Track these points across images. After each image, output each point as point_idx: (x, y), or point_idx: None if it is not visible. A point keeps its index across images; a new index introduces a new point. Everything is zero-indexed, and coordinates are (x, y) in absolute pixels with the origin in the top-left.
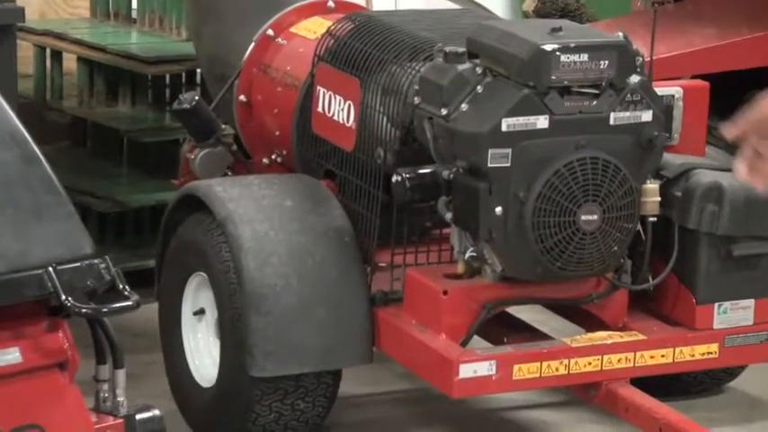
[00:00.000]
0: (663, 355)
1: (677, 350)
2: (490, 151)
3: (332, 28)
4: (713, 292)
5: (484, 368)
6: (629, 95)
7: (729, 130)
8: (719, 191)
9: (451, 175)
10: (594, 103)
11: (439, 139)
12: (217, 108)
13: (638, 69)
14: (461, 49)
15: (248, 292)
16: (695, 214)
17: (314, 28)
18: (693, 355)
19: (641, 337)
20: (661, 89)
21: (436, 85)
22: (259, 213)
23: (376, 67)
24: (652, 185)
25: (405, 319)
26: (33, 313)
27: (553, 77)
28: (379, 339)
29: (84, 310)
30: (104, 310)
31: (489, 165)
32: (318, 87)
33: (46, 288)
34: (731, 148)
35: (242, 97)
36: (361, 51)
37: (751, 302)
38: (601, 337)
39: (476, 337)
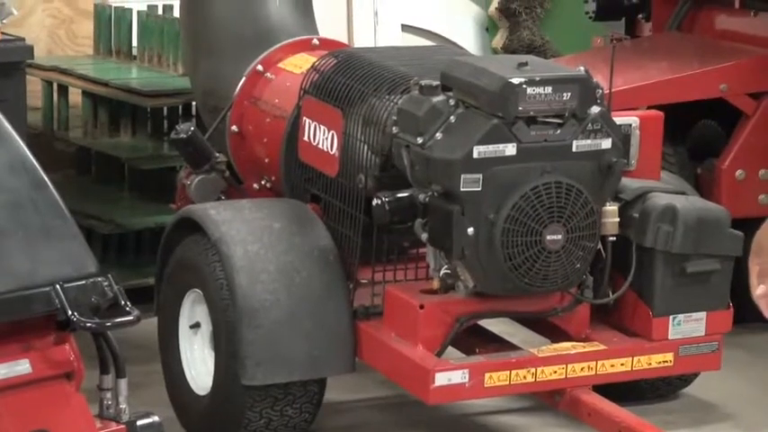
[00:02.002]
0: (622, 364)
1: (635, 359)
2: (462, 176)
3: (316, 64)
4: (668, 305)
5: (458, 376)
6: (590, 125)
7: (761, 292)
8: (674, 212)
9: (427, 199)
10: (558, 131)
11: (415, 166)
12: (211, 138)
13: (599, 101)
14: (436, 83)
15: (240, 307)
16: (651, 234)
17: (300, 64)
18: (650, 364)
19: (602, 347)
20: (619, 119)
21: (413, 115)
22: (250, 235)
23: (357, 99)
24: (611, 207)
25: (384, 332)
26: (42, 327)
27: (520, 108)
28: (361, 350)
29: (88, 325)
30: (108, 324)
31: (462, 189)
32: (304, 118)
33: (53, 304)
34: (683, 173)
35: (234, 128)
36: (343, 85)
37: (703, 315)
38: (565, 347)
39: (450, 348)
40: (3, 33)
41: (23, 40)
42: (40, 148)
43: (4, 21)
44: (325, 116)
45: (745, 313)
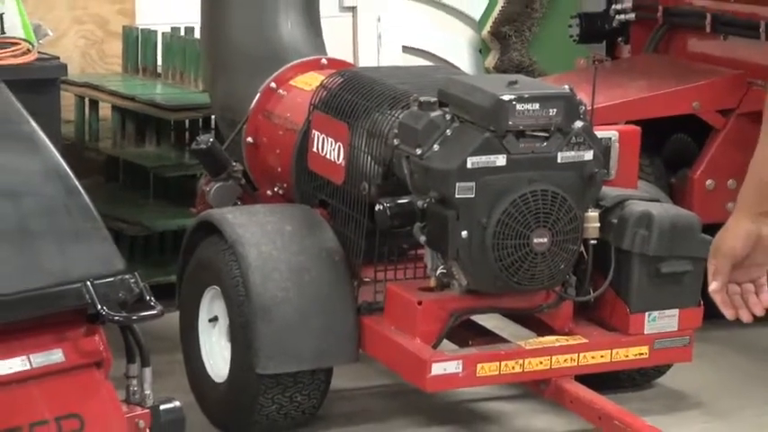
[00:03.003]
0: (602, 356)
1: (614, 351)
2: (457, 185)
3: (325, 81)
4: (644, 303)
5: (452, 367)
6: (573, 138)
7: (714, 288)
8: (649, 218)
9: (425, 205)
10: (545, 144)
11: (414, 175)
12: (228, 148)
13: (582, 116)
14: (433, 99)
15: (254, 302)
16: (629, 238)
17: (310, 81)
18: (627, 356)
19: (584, 340)
20: (600, 133)
21: (412, 129)
22: (263, 237)
23: (362, 114)
24: (593, 213)
25: (385, 326)
26: (74, 320)
27: (510, 123)
28: (364, 342)
29: (116, 318)
30: (134, 317)
31: (457, 196)
32: (313, 131)
33: (84, 299)
34: (658, 182)
35: (249, 139)
36: (349, 101)
37: (676, 312)
38: (550, 340)
39: (445, 341)
40: (39, 53)
41: (58, 58)
42: (73, 158)
43: (40, 41)
44: (332, 129)
45: (715, 310)
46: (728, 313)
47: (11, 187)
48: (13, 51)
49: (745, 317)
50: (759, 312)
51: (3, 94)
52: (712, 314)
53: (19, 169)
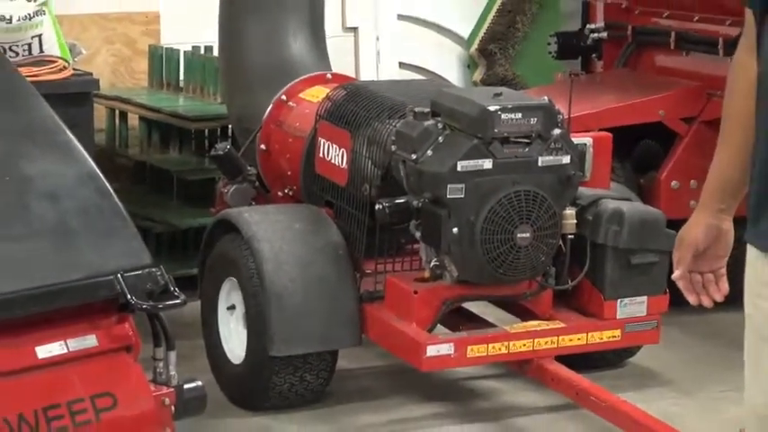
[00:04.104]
0: (579, 339)
1: (590, 335)
2: (449, 186)
3: (330, 94)
4: (616, 291)
5: (445, 349)
6: (552, 144)
7: (677, 275)
8: (621, 215)
9: (420, 204)
10: (527, 149)
11: (410, 177)
12: (244, 154)
13: (560, 124)
14: (427, 110)
15: (268, 292)
16: (603, 232)
17: (316, 94)
18: (602, 338)
19: (563, 325)
20: (576, 139)
21: (408, 136)
22: (275, 233)
23: (363, 123)
24: (570, 211)
25: (385, 313)
26: (106, 309)
27: (496, 131)
28: (366, 327)
29: (144, 307)
30: (160, 306)
31: (448, 196)
32: (320, 138)
33: (116, 290)
34: (629, 183)
35: (262, 146)
36: (351, 111)
37: (644, 299)
38: (532, 325)
39: (438, 326)
40: (74, 69)
41: (91, 74)
42: (105, 163)
43: (75, 59)
44: (336, 137)
45: (680, 297)
46: (691, 299)
47: (50, 190)
48: (50, 68)
49: (706, 302)
50: (719, 298)
51: (41, 106)
52: (677, 301)
53: (57, 174)
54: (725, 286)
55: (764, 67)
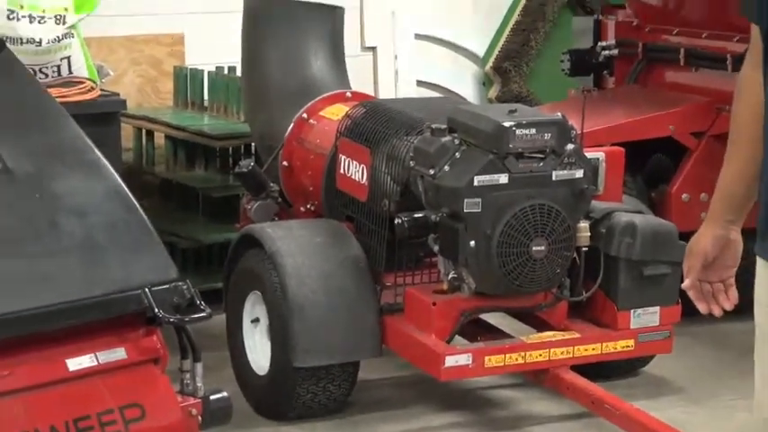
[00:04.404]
0: (593, 349)
1: (604, 344)
2: (465, 200)
3: (349, 111)
4: (629, 301)
5: (463, 359)
6: (566, 159)
7: (687, 284)
8: (633, 227)
9: (438, 218)
10: (541, 164)
11: (428, 192)
12: (266, 171)
13: (573, 139)
14: (444, 126)
15: (291, 305)
16: (616, 245)
17: (336, 112)
18: (616, 348)
19: (577, 335)
20: (589, 153)
21: (426, 152)
22: (298, 248)
23: (382, 140)
24: (584, 224)
25: (405, 324)
26: (134, 322)
27: (511, 146)
28: (387, 339)
29: (171, 320)
30: (186, 319)
31: (465, 210)
32: (340, 155)
33: (144, 304)
34: (640, 196)
35: (285, 163)
36: (371, 129)
37: (657, 309)
38: (548, 335)
39: (457, 337)
40: (102, 90)
41: (118, 95)
42: (132, 181)
43: (103, 80)
44: (356, 153)
45: (691, 307)
46: (702, 307)
47: (79, 207)
48: (79, 89)
49: (716, 311)
50: (729, 307)
51: (70, 126)
52: (689, 311)
53: (86, 191)
54: (734, 295)
55: None
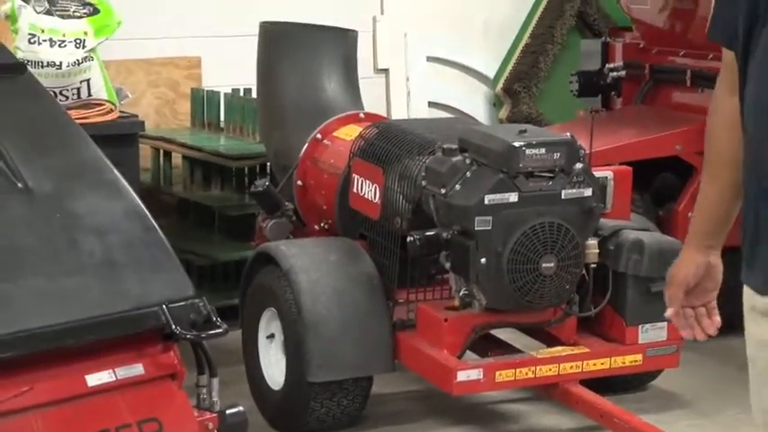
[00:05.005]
0: (602, 363)
1: (613, 359)
2: (476, 219)
3: (362, 132)
4: (638, 317)
5: (474, 374)
6: (575, 177)
7: (670, 313)
8: (641, 245)
9: (449, 236)
10: (550, 183)
11: (440, 211)
12: (281, 190)
13: (582, 159)
14: (455, 146)
15: (305, 321)
16: (624, 262)
17: (349, 132)
18: (624, 363)
19: (587, 350)
20: (597, 173)
21: (437, 172)
22: (312, 265)
23: (394, 159)
24: (592, 241)
25: (417, 340)
26: (152, 338)
27: (521, 165)
28: (399, 354)
29: (188, 336)
30: (203, 335)
31: (476, 228)
32: (353, 174)
33: (161, 320)
34: (648, 214)
35: (299, 182)
36: (383, 149)
37: (665, 324)
38: (557, 350)
39: (468, 352)
40: (120, 112)
41: (137, 116)
42: (150, 200)
43: (122, 102)
44: (369, 173)
45: None
46: (686, 334)
47: (98, 226)
48: (98, 111)
49: (700, 336)
50: (712, 332)
51: (90, 147)
52: None
53: (105, 211)
54: (717, 319)
55: (749, 107)
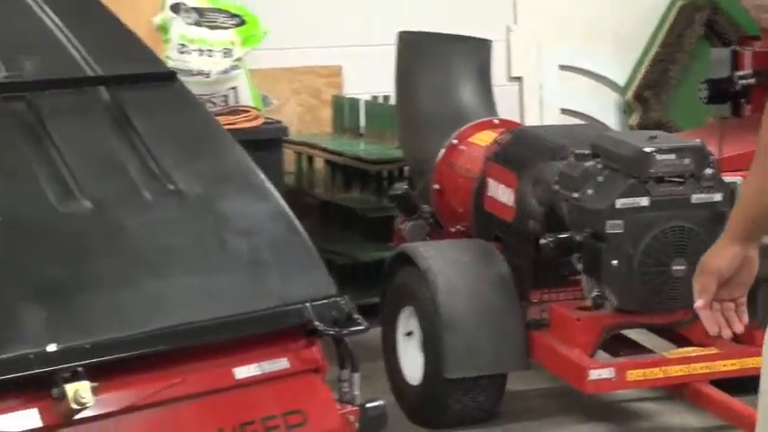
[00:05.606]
0: (733, 364)
1: (743, 360)
2: (608, 222)
3: (497, 138)
4: None
5: (606, 372)
6: (705, 182)
7: (700, 304)
8: None
9: (582, 239)
10: (681, 188)
11: (572, 214)
12: (419, 194)
13: (711, 164)
14: (587, 152)
15: (443, 319)
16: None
17: (485, 138)
18: (755, 364)
19: (717, 351)
20: (727, 178)
21: (570, 176)
22: (448, 266)
23: (528, 164)
24: None
25: (550, 339)
26: (296, 334)
27: (651, 171)
28: (533, 352)
29: (330, 333)
30: (344, 332)
31: (607, 231)
32: (488, 179)
33: (304, 317)
34: None
35: (436, 186)
36: (517, 154)
37: None
38: (688, 350)
39: (599, 351)
40: (266, 118)
41: (281, 122)
42: (293, 202)
43: (267, 108)
44: (504, 177)
45: None
46: (712, 329)
47: (245, 227)
48: (245, 117)
49: (726, 332)
50: (739, 330)
51: (237, 151)
52: None
53: (251, 212)
54: (745, 317)
55: None
